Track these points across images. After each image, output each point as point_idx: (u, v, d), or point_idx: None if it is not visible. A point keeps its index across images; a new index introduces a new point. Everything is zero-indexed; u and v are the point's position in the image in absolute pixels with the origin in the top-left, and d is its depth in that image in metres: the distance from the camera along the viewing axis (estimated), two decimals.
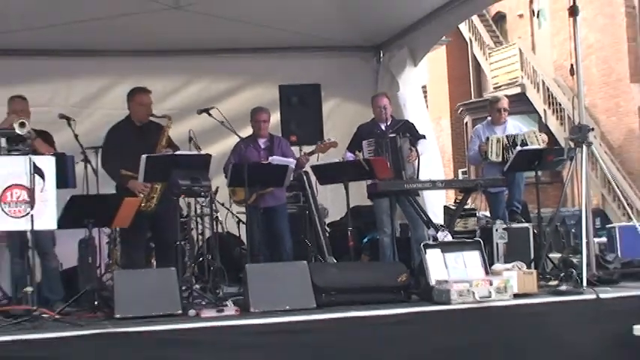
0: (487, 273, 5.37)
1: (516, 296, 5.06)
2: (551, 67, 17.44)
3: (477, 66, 20.36)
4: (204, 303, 5.34)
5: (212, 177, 5.89)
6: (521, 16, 18.98)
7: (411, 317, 4.81)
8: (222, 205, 6.86)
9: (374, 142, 6.46)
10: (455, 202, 7.52)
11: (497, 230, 6.28)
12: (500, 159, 6.80)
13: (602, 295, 5.07)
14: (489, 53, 19.34)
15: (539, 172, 6.55)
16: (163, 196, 5.85)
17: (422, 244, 5.52)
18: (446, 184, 6.70)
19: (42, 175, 4.78)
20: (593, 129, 6.06)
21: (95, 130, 6.74)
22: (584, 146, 5.72)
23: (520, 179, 7.01)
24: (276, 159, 6.28)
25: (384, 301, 5.07)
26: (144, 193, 5.79)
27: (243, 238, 6.99)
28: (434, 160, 7.87)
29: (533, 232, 6.55)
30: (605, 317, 4.97)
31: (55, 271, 5.69)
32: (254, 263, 5.64)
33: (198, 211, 6.70)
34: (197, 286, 5.70)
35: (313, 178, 6.74)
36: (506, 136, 6.92)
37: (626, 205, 8.38)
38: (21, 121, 4.96)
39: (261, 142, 6.61)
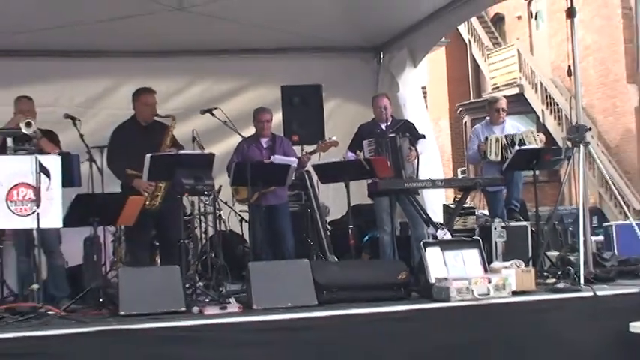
0: (486, 271, 5.41)
1: (515, 293, 5.09)
2: (548, 67, 17.50)
3: (476, 67, 20.40)
4: (207, 300, 5.36)
5: (215, 176, 5.90)
6: (519, 17, 19.04)
7: (411, 314, 4.85)
8: (225, 203, 6.88)
9: (374, 142, 6.49)
10: (454, 200, 7.56)
11: (495, 229, 6.34)
12: (499, 158, 6.86)
13: (599, 293, 5.11)
14: (488, 54, 19.39)
15: (537, 172, 6.57)
16: (167, 194, 5.88)
17: (422, 243, 5.55)
18: (445, 183, 6.76)
19: (48, 174, 4.81)
20: (590, 129, 6.12)
21: (100, 130, 6.78)
22: (581, 146, 5.76)
23: (518, 178, 7.05)
24: (278, 158, 6.32)
25: (384, 299, 5.10)
26: (148, 191, 5.83)
27: (246, 236, 7.02)
28: (433, 159, 7.90)
29: (531, 230, 6.61)
30: (602, 314, 5.00)
31: (60, 269, 5.73)
32: (256, 261, 5.69)
33: (202, 209, 6.70)
34: (200, 284, 5.73)
35: (315, 178, 6.77)
36: (505, 136, 6.97)
37: (622, 203, 8.43)
38: (27, 121, 5.00)
39: (264, 141, 6.64)
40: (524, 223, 6.77)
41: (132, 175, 5.81)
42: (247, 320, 4.65)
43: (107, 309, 5.05)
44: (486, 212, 7.28)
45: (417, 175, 6.57)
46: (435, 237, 5.71)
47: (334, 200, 7.40)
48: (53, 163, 4.88)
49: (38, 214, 4.75)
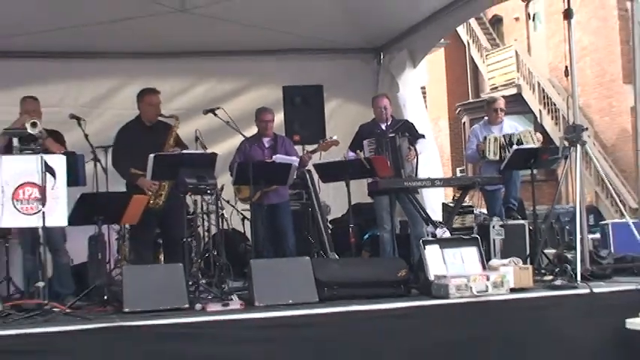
0: (484, 268, 5.44)
1: (513, 291, 5.11)
2: (546, 68, 17.56)
3: (475, 68, 20.45)
4: (210, 297, 5.37)
5: (218, 175, 5.92)
6: (517, 19, 19.11)
7: (411, 311, 4.88)
8: (228, 202, 6.88)
9: (374, 142, 6.53)
10: (453, 199, 7.62)
11: (494, 227, 6.36)
12: (497, 157, 6.88)
13: (595, 290, 5.15)
14: (486, 55, 19.46)
15: (535, 171, 6.63)
16: (171, 193, 5.92)
17: (421, 241, 5.59)
18: (444, 182, 6.81)
19: (53, 174, 4.85)
20: (587, 128, 6.14)
21: (105, 129, 6.83)
22: (578, 145, 5.80)
23: (516, 177, 7.06)
24: (279, 157, 6.36)
25: (384, 296, 5.13)
26: (152, 190, 5.88)
27: (248, 234, 7.02)
28: (433, 158, 7.93)
29: (529, 228, 6.64)
30: (599, 311, 5.05)
31: (65, 267, 5.76)
32: (258, 259, 5.73)
33: (205, 208, 6.75)
34: (203, 281, 5.74)
35: (316, 177, 6.78)
36: (503, 136, 6.99)
37: (618, 202, 8.43)
38: (33, 121, 5.04)
39: (266, 141, 6.68)
40: (522, 221, 6.80)
41: (136, 174, 5.85)
42: (248, 317, 4.69)
43: (111, 306, 5.07)
44: (485, 211, 7.29)
45: (416, 174, 6.61)
46: (434, 235, 5.74)
47: (335, 199, 7.42)
48: (58, 162, 4.91)
49: (44, 212, 4.79)
